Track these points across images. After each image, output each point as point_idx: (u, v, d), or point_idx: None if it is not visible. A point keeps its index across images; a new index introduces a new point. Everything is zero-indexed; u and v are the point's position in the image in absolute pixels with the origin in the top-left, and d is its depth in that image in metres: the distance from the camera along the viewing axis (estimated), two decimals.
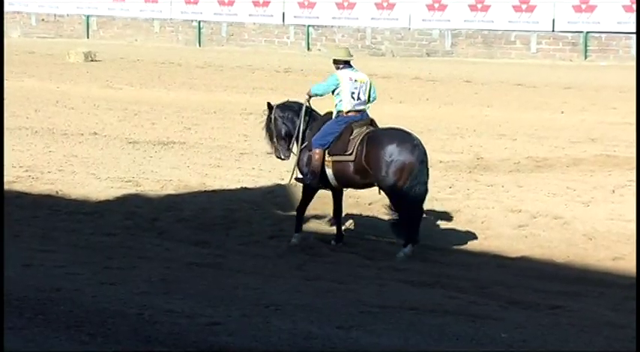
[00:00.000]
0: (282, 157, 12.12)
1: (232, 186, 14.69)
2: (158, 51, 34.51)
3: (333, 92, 11.62)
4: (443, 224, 12.65)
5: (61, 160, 16.51)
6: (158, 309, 8.65)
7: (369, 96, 11.73)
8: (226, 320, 8.37)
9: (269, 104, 12.10)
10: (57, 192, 14.31)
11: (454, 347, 7.85)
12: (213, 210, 13.27)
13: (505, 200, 13.67)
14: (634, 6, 30.10)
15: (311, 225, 12.59)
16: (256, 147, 17.63)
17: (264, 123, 12.11)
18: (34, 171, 15.52)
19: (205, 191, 14.45)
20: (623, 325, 8.53)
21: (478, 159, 16.52)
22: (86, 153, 17.10)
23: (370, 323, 8.37)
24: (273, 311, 8.69)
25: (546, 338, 8.09)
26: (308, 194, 11.91)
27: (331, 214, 12.20)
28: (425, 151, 11.25)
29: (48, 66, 29.88)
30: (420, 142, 11.27)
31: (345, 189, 12.01)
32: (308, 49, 35.06)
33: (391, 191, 11.22)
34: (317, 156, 11.50)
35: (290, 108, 11.95)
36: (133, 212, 13.20)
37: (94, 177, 15.27)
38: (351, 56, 11.79)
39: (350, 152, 11.34)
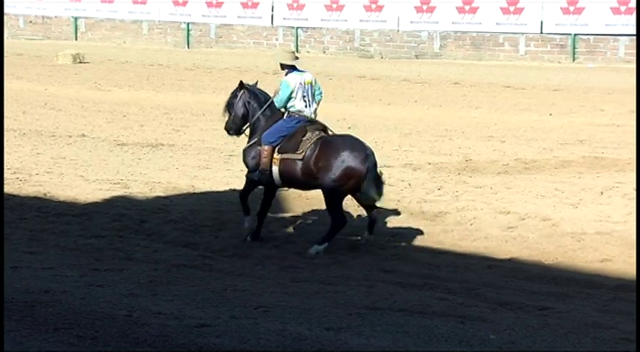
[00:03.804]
0: (230, 132, 12.40)
1: (221, 188, 14.68)
2: (146, 53, 34.48)
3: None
4: (431, 225, 12.66)
5: (49, 162, 16.48)
6: (146, 311, 8.64)
7: (315, 96, 12.01)
8: (215, 321, 8.36)
9: (241, 82, 12.31)
10: (45, 194, 14.28)
11: (443, 349, 7.86)
12: (202, 212, 13.26)
13: (494, 202, 13.70)
14: (622, 8, 30.20)
15: (302, 227, 12.60)
16: None
17: (230, 96, 12.32)
18: (22, 173, 15.48)
19: (194, 193, 14.44)
20: (611, 326, 8.56)
21: (467, 160, 16.55)
22: (74, 155, 17.07)
23: (359, 324, 8.37)
24: (261, 313, 8.69)
25: (535, 340, 8.10)
26: (249, 187, 12.16)
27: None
28: (376, 163, 11.40)
29: (36, 68, 29.82)
30: (373, 153, 11.44)
31: (285, 188, 12.39)
32: (297, 50, 35.07)
33: (330, 193, 11.39)
34: (266, 153, 11.73)
35: (257, 97, 12.15)
36: (122, 214, 13.18)
37: (82, 179, 15.23)
38: (296, 59, 12.04)
39: (300, 151, 11.56)
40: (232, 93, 12.30)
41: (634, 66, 28.18)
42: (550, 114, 21.23)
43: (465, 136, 18.85)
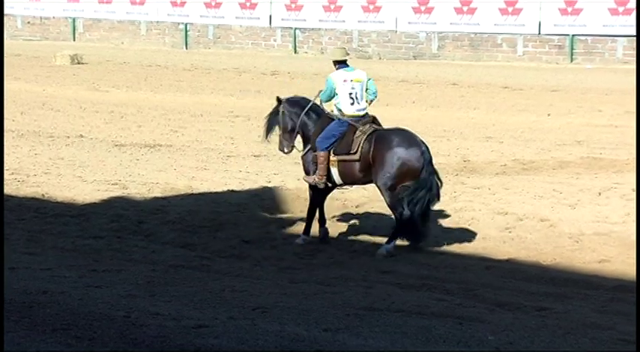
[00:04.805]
0: (285, 151, 12.43)
1: (219, 189, 14.67)
2: (144, 53, 34.47)
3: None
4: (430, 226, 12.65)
5: (47, 163, 16.47)
6: (144, 312, 8.63)
7: (368, 92, 11.99)
8: (213, 322, 8.36)
9: (278, 98, 12.34)
10: (43, 195, 14.27)
11: (441, 350, 7.85)
12: (200, 213, 13.25)
13: (492, 202, 13.70)
14: (620, 9, 30.22)
15: (300, 228, 12.59)
16: (243, 150, 17.65)
17: (269, 115, 12.34)
18: (20, 174, 15.47)
19: (192, 194, 14.43)
20: (609, 327, 8.56)
21: (465, 161, 16.55)
22: (72, 156, 17.06)
23: (357, 325, 8.37)
24: (259, 314, 8.69)
25: (533, 340, 8.11)
26: (315, 196, 12.11)
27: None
28: (431, 159, 11.49)
29: (34, 68, 29.80)
30: (428, 149, 11.53)
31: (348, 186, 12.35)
32: (295, 51, 35.06)
33: (387, 190, 11.41)
34: (322, 159, 11.75)
35: (297, 103, 12.21)
36: (120, 215, 13.17)
37: (80, 180, 15.23)
38: (346, 56, 12.10)
39: (355, 151, 11.61)
40: (272, 111, 12.30)
41: (632, 67, 28.20)
42: (548, 115, 21.24)
43: (463, 137, 18.86)
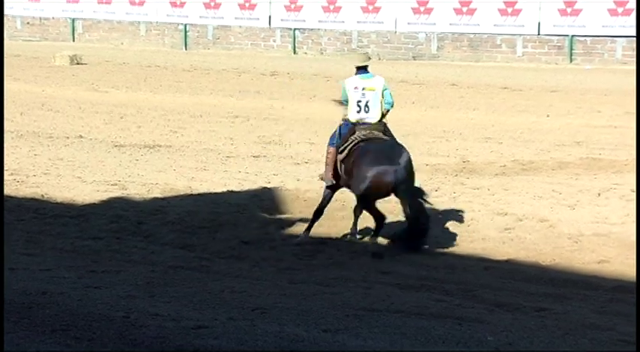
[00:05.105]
0: None
1: (218, 190, 14.68)
2: (144, 54, 34.47)
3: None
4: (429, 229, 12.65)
5: (46, 163, 16.47)
6: (144, 313, 8.64)
7: (384, 102, 11.82)
8: (212, 323, 8.36)
9: None
10: (42, 196, 14.27)
11: (440, 350, 7.86)
12: (200, 214, 13.25)
13: (491, 203, 13.70)
14: (619, 9, 30.23)
15: (299, 229, 12.60)
16: (242, 151, 17.65)
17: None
18: (19, 175, 15.47)
19: (191, 194, 14.43)
20: (609, 328, 8.56)
21: (464, 162, 16.55)
22: (72, 157, 17.06)
23: (356, 326, 8.37)
24: (259, 315, 8.69)
25: (532, 341, 8.11)
26: (328, 195, 12.07)
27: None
28: (405, 178, 11.19)
29: (33, 69, 29.80)
30: (406, 166, 11.22)
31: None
32: (294, 52, 35.07)
33: (359, 199, 11.53)
34: (330, 155, 11.80)
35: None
36: (119, 215, 13.17)
37: (79, 181, 15.23)
38: (366, 61, 11.87)
39: (341, 152, 11.61)
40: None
41: (631, 67, 28.22)
42: (547, 116, 21.24)
43: (462, 138, 18.86)
